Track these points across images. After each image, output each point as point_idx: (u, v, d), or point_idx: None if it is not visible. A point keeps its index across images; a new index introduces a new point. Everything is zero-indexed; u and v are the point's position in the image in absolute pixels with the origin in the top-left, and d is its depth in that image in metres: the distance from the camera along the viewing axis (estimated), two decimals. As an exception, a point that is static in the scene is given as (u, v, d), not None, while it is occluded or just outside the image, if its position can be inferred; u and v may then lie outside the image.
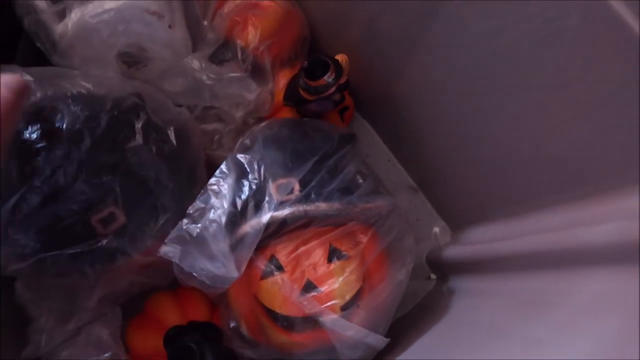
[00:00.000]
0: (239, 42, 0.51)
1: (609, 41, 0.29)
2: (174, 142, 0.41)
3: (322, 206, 0.38)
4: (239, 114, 0.52)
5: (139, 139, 0.38)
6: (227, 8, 0.53)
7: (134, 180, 0.38)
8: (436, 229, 0.59)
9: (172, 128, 0.41)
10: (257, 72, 0.52)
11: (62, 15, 0.44)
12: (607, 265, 0.30)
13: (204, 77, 0.49)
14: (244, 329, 0.42)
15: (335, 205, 0.39)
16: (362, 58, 0.54)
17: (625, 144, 0.31)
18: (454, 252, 0.53)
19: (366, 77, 0.56)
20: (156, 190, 0.38)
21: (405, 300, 0.57)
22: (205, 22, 0.53)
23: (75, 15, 0.44)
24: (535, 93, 0.37)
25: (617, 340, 0.25)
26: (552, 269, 0.36)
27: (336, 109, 0.54)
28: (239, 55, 0.51)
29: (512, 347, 0.33)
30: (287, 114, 0.53)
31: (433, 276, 0.57)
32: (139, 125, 0.38)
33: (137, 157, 0.38)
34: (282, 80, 0.54)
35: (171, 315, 0.43)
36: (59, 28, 0.44)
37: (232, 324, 0.42)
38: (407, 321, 0.54)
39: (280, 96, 0.53)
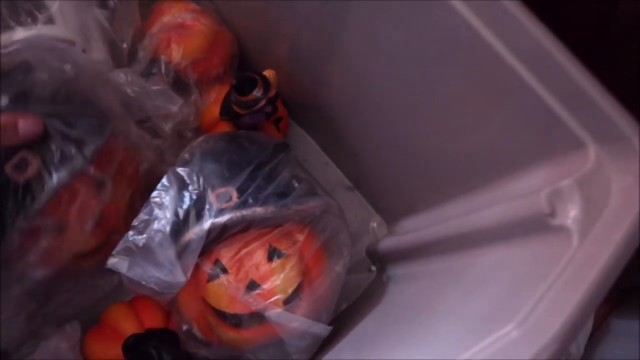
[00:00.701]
0: (163, 58, 0.54)
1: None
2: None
3: (258, 210, 0.42)
4: (168, 125, 0.55)
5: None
6: (155, 28, 0.56)
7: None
8: (373, 224, 0.64)
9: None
10: (180, 86, 0.56)
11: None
12: (497, 241, 0.36)
13: (129, 90, 0.52)
14: (196, 331, 0.45)
15: (270, 208, 0.42)
16: (290, 71, 0.58)
17: (509, 141, 0.36)
18: (388, 243, 0.57)
19: (296, 88, 0.61)
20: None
21: (350, 293, 0.61)
22: (125, 45, 0.55)
23: None
24: (443, 96, 0.41)
25: (504, 295, 0.31)
26: (460, 250, 0.41)
27: (270, 120, 0.58)
28: (162, 69, 0.54)
29: (433, 317, 0.38)
30: (224, 127, 0.56)
31: (373, 268, 0.62)
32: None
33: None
34: (213, 95, 0.58)
35: (128, 324, 0.46)
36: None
37: (184, 327, 0.45)
38: (351, 312, 0.59)
39: (215, 111, 0.56)
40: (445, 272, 0.44)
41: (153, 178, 0.53)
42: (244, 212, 0.42)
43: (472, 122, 0.39)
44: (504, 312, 0.29)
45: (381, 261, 0.61)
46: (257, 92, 0.48)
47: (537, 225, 0.31)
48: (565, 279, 0.27)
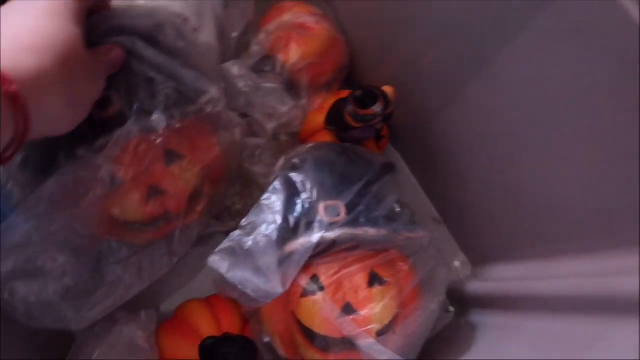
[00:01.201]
0: (280, 57, 0.52)
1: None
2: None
3: (370, 231, 0.39)
4: (270, 125, 0.53)
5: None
6: (273, 25, 0.54)
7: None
8: (457, 262, 0.60)
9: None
10: (292, 88, 0.54)
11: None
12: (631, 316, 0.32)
13: (242, 84, 0.50)
14: (278, 345, 0.42)
15: (382, 231, 0.40)
16: (401, 90, 0.56)
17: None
18: (476, 286, 0.54)
19: (403, 109, 0.58)
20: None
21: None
22: (234, 34, 0.54)
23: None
24: (567, 142, 0.38)
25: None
26: (579, 314, 0.37)
27: (376, 137, 0.56)
28: (278, 68, 0.52)
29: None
30: (325, 137, 0.54)
31: (452, 309, 0.58)
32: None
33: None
34: (318, 102, 0.56)
35: (205, 324, 0.44)
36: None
37: (265, 339, 0.43)
38: (425, 352, 0.55)
39: (318, 118, 0.54)
40: (553, 334, 0.40)
41: (232, 172, 0.51)
42: (356, 230, 0.39)
43: (604, 172, 0.36)
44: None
45: (462, 303, 0.57)
46: (377, 108, 0.46)
47: None
48: None
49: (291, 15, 0.54)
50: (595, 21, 0.31)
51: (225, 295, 0.41)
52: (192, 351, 0.42)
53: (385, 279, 0.41)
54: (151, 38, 0.39)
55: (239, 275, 0.38)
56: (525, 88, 0.40)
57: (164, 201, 0.43)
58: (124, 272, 0.45)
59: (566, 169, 0.40)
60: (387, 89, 0.49)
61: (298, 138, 0.57)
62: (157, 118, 0.39)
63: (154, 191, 0.42)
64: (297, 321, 0.40)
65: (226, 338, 0.42)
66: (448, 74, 0.49)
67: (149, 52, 0.38)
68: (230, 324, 0.45)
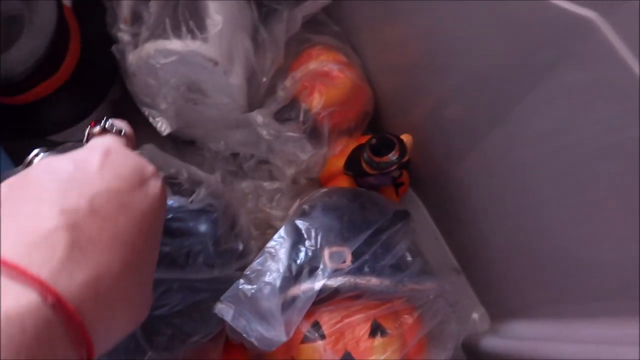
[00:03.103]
0: (304, 105, 0.54)
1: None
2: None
3: (373, 281, 0.39)
4: (290, 171, 0.54)
5: None
6: (299, 73, 0.56)
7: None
8: (475, 315, 0.59)
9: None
10: (314, 135, 0.55)
11: (136, 45, 0.50)
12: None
13: (264, 132, 0.52)
14: (279, 389, 0.42)
15: (386, 282, 0.40)
16: (423, 138, 0.56)
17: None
18: (492, 343, 0.52)
19: (425, 156, 0.58)
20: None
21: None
22: (265, 79, 0.56)
23: (141, 49, 0.49)
24: (591, 199, 0.37)
25: None
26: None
27: (392, 184, 0.56)
28: (301, 117, 0.54)
29: None
30: (343, 182, 0.55)
31: (467, 364, 0.56)
32: None
33: None
34: (339, 147, 0.57)
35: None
36: (129, 57, 0.50)
37: (267, 383, 0.43)
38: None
39: (338, 163, 0.55)
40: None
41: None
42: (359, 280, 0.39)
43: (620, 232, 0.34)
44: None
45: (477, 358, 0.55)
46: (392, 156, 0.46)
47: None
48: None
49: (317, 63, 0.55)
50: (613, 78, 0.31)
51: (234, 341, 0.41)
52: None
53: (389, 330, 0.40)
54: None
55: (243, 324, 0.38)
56: (548, 140, 0.39)
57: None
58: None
59: (590, 226, 0.39)
60: (405, 137, 0.49)
61: (318, 182, 0.58)
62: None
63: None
64: (297, 368, 0.40)
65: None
66: (469, 125, 0.49)
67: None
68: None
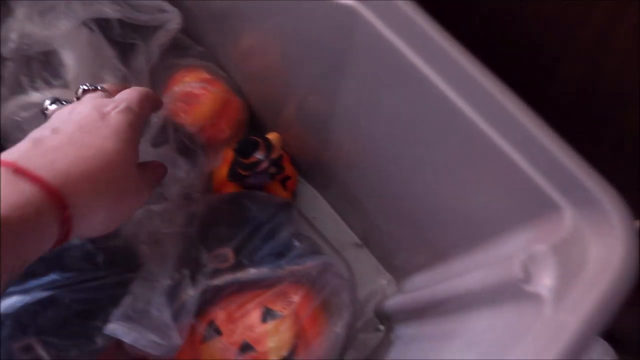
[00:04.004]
0: (172, 125, 0.57)
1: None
2: None
3: (251, 271, 0.43)
4: (175, 189, 0.57)
5: None
6: (166, 98, 0.59)
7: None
8: (383, 282, 0.64)
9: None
10: (189, 152, 0.58)
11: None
12: (483, 306, 0.35)
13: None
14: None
15: (264, 270, 0.43)
16: (299, 133, 0.61)
17: (492, 205, 0.36)
18: (393, 302, 0.57)
19: (305, 148, 0.62)
20: None
21: (360, 352, 0.60)
22: None
23: (5, 109, 0.51)
24: (433, 161, 0.42)
25: None
26: (454, 312, 0.40)
27: (276, 180, 0.60)
28: (171, 137, 0.57)
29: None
30: (232, 188, 0.58)
31: (381, 327, 0.61)
32: None
33: None
34: (222, 157, 0.60)
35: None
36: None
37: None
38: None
39: (224, 173, 0.58)
40: (444, 334, 0.43)
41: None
42: (238, 273, 0.43)
43: (459, 186, 0.39)
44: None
45: (389, 320, 0.60)
46: (258, 155, 0.50)
47: (513, 291, 0.31)
48: (534, 349, 0.27)
49: (182, 85, 0.59)
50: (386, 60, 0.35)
51: (136, 354, 0.44)
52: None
53: (279, 311, 0.44)
54: None
55: (137, 337, 0.41)
56: (388, 118, 0.44)
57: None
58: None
59: (445, 185, 0.43)
60: (272, 136, 0.53)
61: (211, 193, 0.62)
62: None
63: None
64: (203, 366, 0.43)
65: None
66: (326, 113, 0.53)
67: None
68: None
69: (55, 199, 0.30)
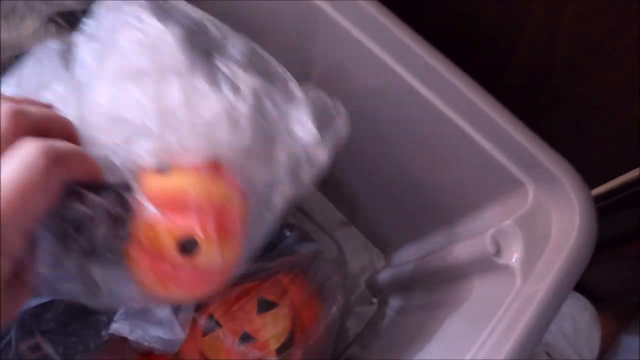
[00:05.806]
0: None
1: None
2: None
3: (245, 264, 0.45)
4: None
5: None
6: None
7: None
8: (372, 257, 0.66)
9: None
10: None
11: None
12: (461, 278, 0.38)
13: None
14: (200, 383, 0.48)
15: (255, 264, 0.45)
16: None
17: (466, 182, 0.39)
18: (384, 275, 0.60)
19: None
20: None
21: (355, 325, 0.63)
22: None
23: None
24: (412, 143, 0.43)
25: (462, 336, 0.32)
26: (439, 284, 0.43)
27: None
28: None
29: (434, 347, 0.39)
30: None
31: (374, 300, 0.64)
32: None
33: None
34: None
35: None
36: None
37: (190, 381, 0.48)
38: (355, 344, 0.61)
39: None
40: (432, 305, 0.46)
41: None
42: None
43: (433, 167, 0.41)
44: (459, 354, 0.31)
45: (381, 293, 0.63)
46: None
47: (487, 264, 0.33)
48: (508, 318, 0.29)
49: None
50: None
51: (142, 351, 0.46)
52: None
53: (274, 301, 0.46)
54: None
55: (142, 334, 0.43)
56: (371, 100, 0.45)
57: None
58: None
59: (422, 162, 0.45)
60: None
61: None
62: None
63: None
64: (206, 358, 0.46)
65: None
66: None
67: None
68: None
69: None
